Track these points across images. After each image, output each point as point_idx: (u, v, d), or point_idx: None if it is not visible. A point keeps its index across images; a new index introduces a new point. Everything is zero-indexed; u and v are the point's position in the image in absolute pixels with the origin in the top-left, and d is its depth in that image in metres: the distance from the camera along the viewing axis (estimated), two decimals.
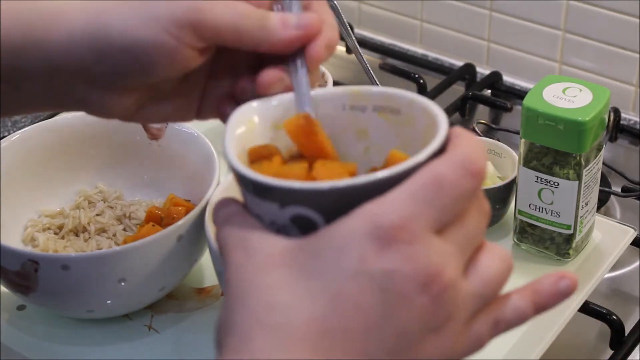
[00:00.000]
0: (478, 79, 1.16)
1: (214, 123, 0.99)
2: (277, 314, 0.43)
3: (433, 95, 1.11)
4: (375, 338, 0.43)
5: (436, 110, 0.49)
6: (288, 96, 0.53)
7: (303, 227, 0.45)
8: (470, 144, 0.46)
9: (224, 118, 0.57)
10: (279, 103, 0.52)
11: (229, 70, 0.58)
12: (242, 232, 0.47)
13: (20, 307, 0.82)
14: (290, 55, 0.54)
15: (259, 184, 0.46)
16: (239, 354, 0.43)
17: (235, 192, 0.80)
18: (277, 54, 0.54)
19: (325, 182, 0.45)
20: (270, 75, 0.55)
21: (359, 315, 0.43)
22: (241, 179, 0.47)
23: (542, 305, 0.48)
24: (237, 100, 0.58)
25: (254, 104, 0.52)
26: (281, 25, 0.55)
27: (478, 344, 0.47)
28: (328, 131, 0.52)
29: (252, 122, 0.51)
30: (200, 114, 0.60)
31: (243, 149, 0.50)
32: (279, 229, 0.46)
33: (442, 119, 0.48)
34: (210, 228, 0.73)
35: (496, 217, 0.88)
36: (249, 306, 0.44)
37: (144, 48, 0.53)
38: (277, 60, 0.55)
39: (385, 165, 0.50)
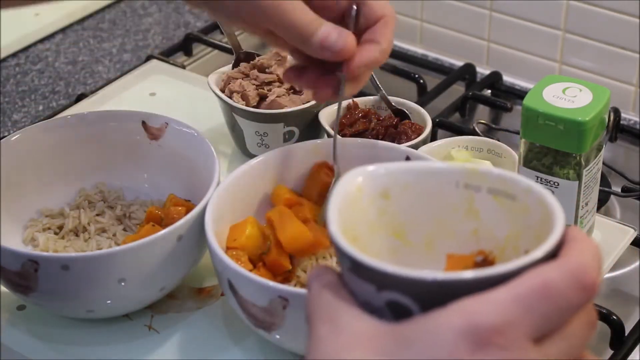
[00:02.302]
0: (478, 79, 1.16)
1: (214, 123, 1.00)
2: None
3: (433, 95, 1.11)
4: None
5: (554, 204, 0.46)
6: (395, 165, 0.51)
7: (397, 313, 0.43)
8: (585, 253, 0.43)
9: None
10: (387, 172, 0.50)
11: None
12: (333, 306, 0.45)
13: (20, 307, 0.82)
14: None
15: (358, 263, 0.44)
16: None
17: (235, 194, 0.80)
18: None
19: (428, 272, 0.43)
20: (324, 94, 0.70)
21: None
22: (340, 254, 0.45)
23: None
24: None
25: (360, 178, 0.50)
26: (319, 46, 0.65)
27: None
28: (436, 206, 0.50)
29: (359, 191, 0.49)
30: None
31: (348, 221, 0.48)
32: (373, 311, 0.44)
33: (560, 216, 0.45)
34: (210, 228, 0.73)
35: None
36: None
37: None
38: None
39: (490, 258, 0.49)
